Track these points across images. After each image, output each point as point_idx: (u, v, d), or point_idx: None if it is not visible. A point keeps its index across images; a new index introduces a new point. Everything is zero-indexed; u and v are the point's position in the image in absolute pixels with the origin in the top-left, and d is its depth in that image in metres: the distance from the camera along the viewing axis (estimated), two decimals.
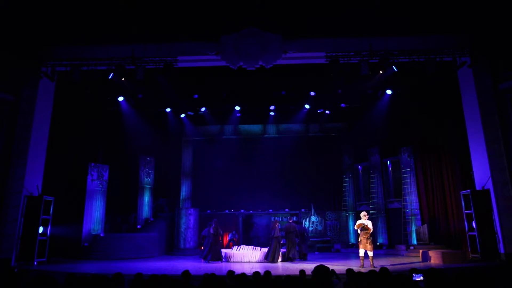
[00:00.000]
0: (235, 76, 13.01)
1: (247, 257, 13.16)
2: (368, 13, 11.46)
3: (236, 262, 12.99)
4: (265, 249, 13.46)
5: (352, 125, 17.67)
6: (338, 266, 10.50)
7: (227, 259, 13.27)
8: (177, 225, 16.80)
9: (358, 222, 11.39)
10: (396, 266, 11.00)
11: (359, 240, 11.30)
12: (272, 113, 17.25)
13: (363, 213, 11.52)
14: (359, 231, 11.35)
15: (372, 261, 10.91)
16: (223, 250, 13.75)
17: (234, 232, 17.56)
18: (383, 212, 16.29)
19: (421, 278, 4.51)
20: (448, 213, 13.43)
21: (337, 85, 14.57)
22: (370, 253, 10.94)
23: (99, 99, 15.25)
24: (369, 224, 11.24)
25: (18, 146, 11.85)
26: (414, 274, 4.68)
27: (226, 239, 17.47)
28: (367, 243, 10.95)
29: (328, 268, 4.53)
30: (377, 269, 5.41)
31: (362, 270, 7.20)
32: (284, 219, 18.28)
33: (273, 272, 6.14)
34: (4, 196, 11.53)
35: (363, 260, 11.01)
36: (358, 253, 11.27)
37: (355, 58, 11.94)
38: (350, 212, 17.77)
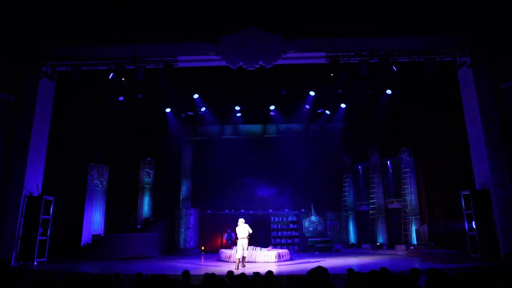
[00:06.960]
0: (235, 76, 13.00)
1: (247, 257, 13.10)
2: (368, 13, 11.46)
3: (235, 262, 12.95)
4: (265, 249, 13.49)
5: (352, 125, 17.66)
6: (338, 266, 10.51)
7: (227, 259, 13.26)
8: (177, 225, 16.78)
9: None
10: (395, 266, 10.99)
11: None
12: (272, 113, 17.24)
13: (241, 220, 12.01)
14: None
15: (238, 263, 11.35)
16: (223, 250, 13.80)
17: (229, 231, 16.83)
18: (383, 212, 16.28)
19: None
20: (448, 213, 13.44)
21: (337, 85, 14.56)
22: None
23: (99, 99, 15.25)
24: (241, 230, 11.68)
25: (18, 146, 11.86)
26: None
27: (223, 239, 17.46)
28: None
29: (326, 270, 4.48)
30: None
31: (237, 272, 7.92)
32: (284, 219, 18.32)
33: (274, 272, 6.13)
34: (4, 196, 11.53)
35: (238, 262, 11.41)
36: (359, 253, 11.37)
37: (355, 58, 11.96)
38: (350, 212, 17.76)
